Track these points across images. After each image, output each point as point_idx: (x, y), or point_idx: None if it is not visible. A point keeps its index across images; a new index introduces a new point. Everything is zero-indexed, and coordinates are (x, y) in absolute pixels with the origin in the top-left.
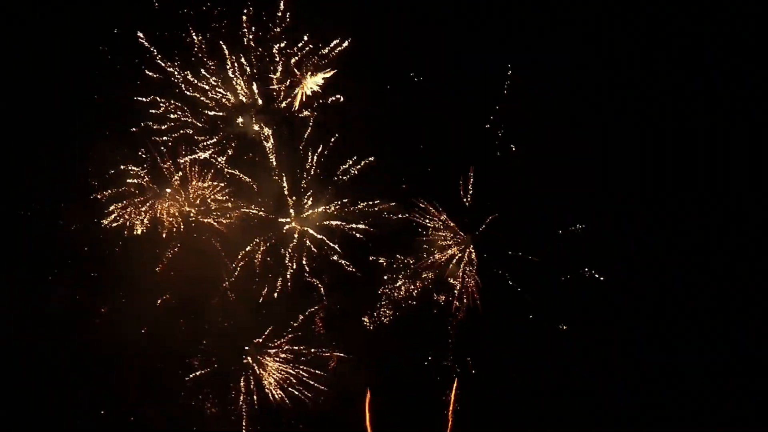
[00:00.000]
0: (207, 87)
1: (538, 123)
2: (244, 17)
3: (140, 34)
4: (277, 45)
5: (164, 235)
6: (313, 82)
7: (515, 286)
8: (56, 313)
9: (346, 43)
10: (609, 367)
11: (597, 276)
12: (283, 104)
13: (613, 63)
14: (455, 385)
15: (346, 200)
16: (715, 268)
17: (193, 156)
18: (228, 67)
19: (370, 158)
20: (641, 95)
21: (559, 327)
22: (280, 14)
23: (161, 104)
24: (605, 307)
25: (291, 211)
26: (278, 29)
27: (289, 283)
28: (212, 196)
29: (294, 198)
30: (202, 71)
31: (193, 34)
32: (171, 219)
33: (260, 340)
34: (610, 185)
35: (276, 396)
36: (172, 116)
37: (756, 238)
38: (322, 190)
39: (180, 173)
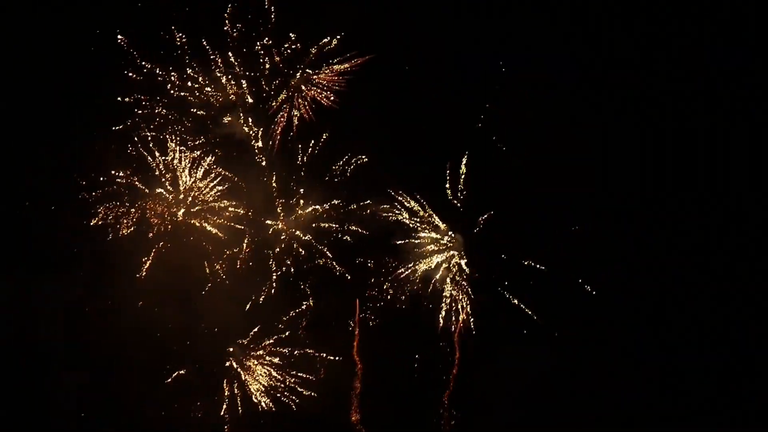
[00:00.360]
0: (196, 86)
1: (534, 120)
2: (233, 15)
3: (124, 36)
4: (267, 42)
5: (151, 236)
6: (303, 81)
7: (509, 289)
8: (39, 313)
9: (335, 42)
10: (609, 373)
11: (590, 286)
12: (273, 103)
13: (612, 62)
14: (448, 391)
15: (335, 201)
16: (715, 268)
17: (182, 156)
18: (216, 66)
19: (361, 157)
20: (641, 95)
21: (554, 334)
22: (265, 10)
23: (148, 103)
24: (604, 313)
25: (280, 211)
26: (268, 27)
27: (274, 284)
28: (201, 197)
29: (283, 199)
30: (192, 71)
31: (183, 33)
32: (158, 219)
33: (245, 341)
34: (608, 185)
35: (259, 398)
36: (160, 116)
37: (756, 238)
38: (311, 190)
39: (169, 174)
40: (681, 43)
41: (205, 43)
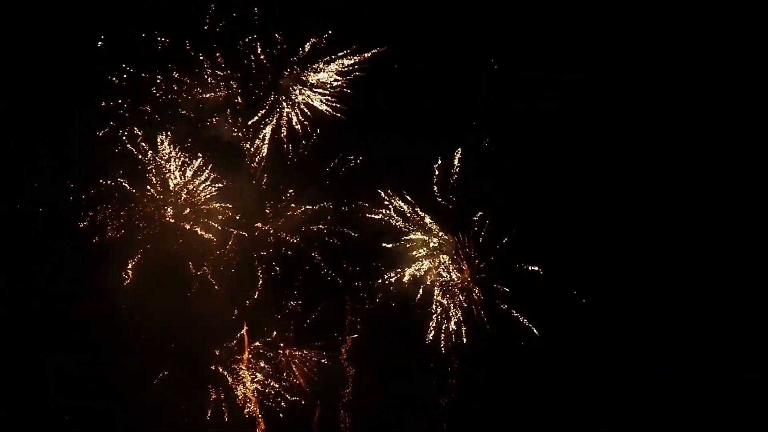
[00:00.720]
0: (187, 88)
1: (529, 119)
2: (225, 15)
3: (119, 38)
4: (256, 44)
5: (139, 237)
6: (293, 81)
7: (500, 291)
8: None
9: (324, 42)
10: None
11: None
12: (264, 104)
13: (612, 62)
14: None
15: (326, 204)
16: (715, 269)
17: (172, 158)
18: (206, 68)
19: (352, 159)
20: (641, 95)
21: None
22: (258, 10)
23: (138, 106)
24: (600, 315)
25: (268, 213)
26: (258, 28)
27: (261, 286)
28: (190, 199)
29: (272, 201)
30: (184, 73)
31: (176, 34)
32: (147, 221)
33: (231, 344)
34: (605, 185)
35: (245, 403)
36: (150, 118)
37: (756, 239)
38: (302, 192)
39: (160, 176)
40: (681, 43)
41: (198, 44)
